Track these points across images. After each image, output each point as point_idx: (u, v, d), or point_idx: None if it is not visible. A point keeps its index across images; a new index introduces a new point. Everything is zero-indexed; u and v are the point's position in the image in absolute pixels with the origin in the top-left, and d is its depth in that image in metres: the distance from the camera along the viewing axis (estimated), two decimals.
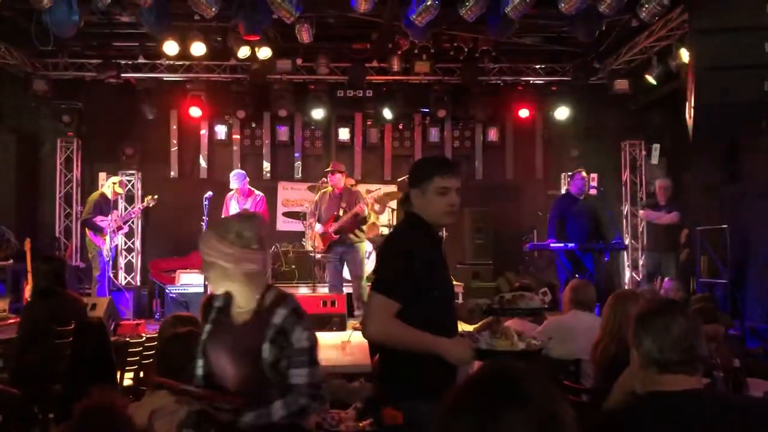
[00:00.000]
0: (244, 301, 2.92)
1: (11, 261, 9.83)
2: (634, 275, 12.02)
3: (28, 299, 8.25)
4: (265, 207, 9.75)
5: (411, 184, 3.23)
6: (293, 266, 10.68)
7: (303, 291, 9.70)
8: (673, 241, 10.01)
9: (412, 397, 2.87)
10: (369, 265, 10.32)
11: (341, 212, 9.06)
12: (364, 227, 9.28)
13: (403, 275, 3.04)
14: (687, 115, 7.36)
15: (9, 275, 9.76)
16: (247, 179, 9.73)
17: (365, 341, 6.20)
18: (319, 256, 10.43)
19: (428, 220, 3.20)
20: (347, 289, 9.41)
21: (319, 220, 9.23)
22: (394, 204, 10.72)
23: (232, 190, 9.66)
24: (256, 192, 9.71)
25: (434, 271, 3.17)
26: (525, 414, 1.38)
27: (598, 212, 9.54)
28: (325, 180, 10.49)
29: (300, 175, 12.37)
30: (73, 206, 11.77)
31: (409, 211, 3.26)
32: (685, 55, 9.05)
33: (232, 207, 9.49)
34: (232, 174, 9.74)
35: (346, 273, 9.45)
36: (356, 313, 9.15)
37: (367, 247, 10.20)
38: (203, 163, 12.30)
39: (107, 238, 9.70)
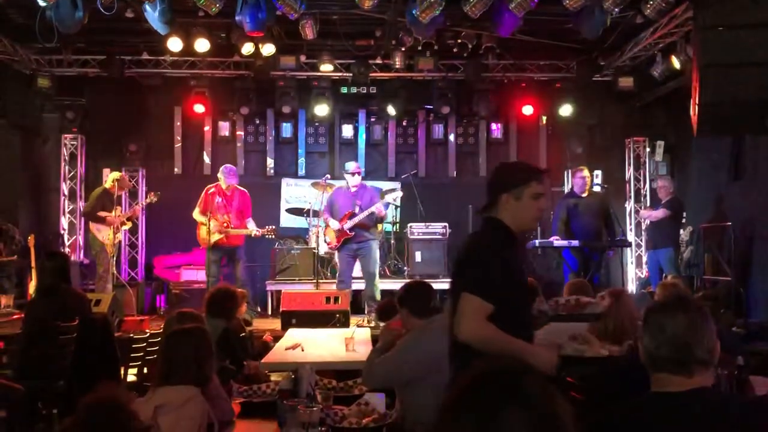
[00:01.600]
0: None
1: (16, 257, 9.85)
2: (638, 272, 12.01)
3: (32, 295, 8.28)
4: (250, 202, 9.73)
5: (502, 188, 3.27)
6: (296, 263, 10.68)
7: (306, 288, 9.70)
8: (667, 237, 9.96)
9: None
10: None
11: (357, 209, 9.05)
12: (379, 225, 9.26)
13: (494, 278, 3.09)
14: (691, 113, 7.35)
15: (13, 271, 9.78)
16: None
17: (368, 338, 6.22)
18: (322, 252, 10.44)
19: (513, 225, 3.26)
20: (357, 286, 9.44)
21: (332, 216, 9.24)
22: (398, 201, 10.71)
23: (218, 184, 9.53)
24: (240, 188, 9.67)
25: (517, 274, 3.25)
26: (524, 413, 1.38)
27: (607, 209, 9.52)
28: (329, 176, 10.51)
29: (303, 172, 12.37)
30: (77, 202, 11.78)
31: (489, 216, 3.31)
32: (689, 51, 9.03)
33: (217, 203, 9.38)
34: (227, 169, 9.63)
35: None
36: (367, 310, 9.17)
37: None
38: (207, 159, 12.30)
39: (111, 233, 9.71)
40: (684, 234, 10.31)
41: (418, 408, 3.90)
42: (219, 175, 9.60)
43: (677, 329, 2.29)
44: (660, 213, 9.88)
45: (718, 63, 7.15)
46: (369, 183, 11.32)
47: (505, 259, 3.18)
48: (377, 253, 9.29)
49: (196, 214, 9.41)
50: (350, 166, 9.38)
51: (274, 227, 9.65)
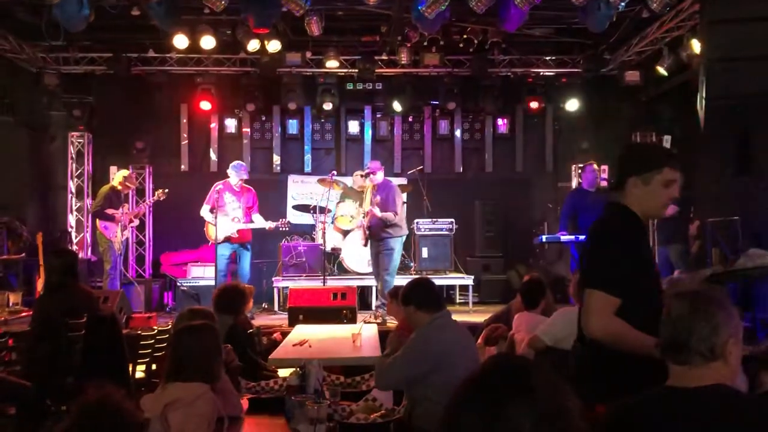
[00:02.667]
0: None
1: (23, 255, 9.89)
2: None
3: (41, 293, 8.31)
4: (257, 199, 9.76)
5: (631, 171, 3.09)
6: (303, 259, 10.70)
7: (313, 284, 9.71)
8: (676, 233, 9.92)
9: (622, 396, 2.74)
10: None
11: (374, 208, 9.10)
12: (399, 223, 9.08)
13: (621, 270, 2.95)
14: (698, 107, 7.33)
15: (21, 269, 9.82)
16: None
17: (375, 334, 6.22)
18: (329, 248, 10.44)
19: (639, 211, 3.09)
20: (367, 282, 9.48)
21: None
22: (405, 197, 10.70)
23: (227, 180, 9.49)
24: (246, 185, 9.67)
25: (647, 265, 3.10)
26: (530, 407, 1.38)
27: None
28: (335, 172, 10.51)
29: (310, 168, 12.39)
30: (84, 200, 11.82)
31: (616, 203, 3.14)
32: (696, 46, 9.00)
33: (227, 200, 9.35)
34: (238, 165, 9.60)
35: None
36: (376, 304, 9.17)
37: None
38: (213, 156, 12.32)
39: (119, 230, 9.73)
40: (692, 228, 10.27)
41: (426, 403, 3.91)
42: (229, 171, 9.55)
43: (678, 313, 2.28)
44: (669, 210, 9.83)
45: (725, 57, 7.13)
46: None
47: (631, 250, 2.99)
48: (395, 251, 9.08)
49: (205, 212, 9.38)
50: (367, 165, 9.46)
51: (287, 220, 9.67)
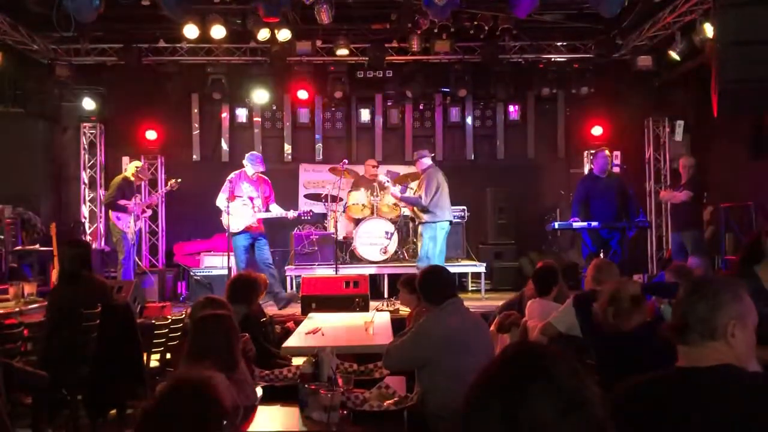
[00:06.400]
0: None
1: (37, 245, 9.95)
2: (658, 253, 11.94)
3: (55, 283, 8.36)
4: (272, 189, 9.74)
5: None
6: (315, 248, 10.70)
7: (326, 272, 9.72)
8: (691, 219, 9.81)
9: None
10: (391, 245, 10.32)
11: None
12: (430, 209, 9.01)
13: None
14: (711, 91, 7.27)
15: (36, 259, 9.89)
16: None
17: (388, 322, 6.23)
18: (341, 237, 10.45)
19: None
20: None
21: None
22: (414, 184, 10.67)
23: (244, 171, 9.46)
24: (262, 175, 9.64)
25: None
26: (550, 394, 1.38)
27: (626, 190, 9.42)
28: (346, 161, 10.50)
29: (321, 157, 12.39)
30: (97, 190, 11.89)
31: None
32: (709, 29, 8.92)
33: (245, 189, 9.30)
34: (254, 156, 9.55)
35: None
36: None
37: (386, 226, 10.20)
38: (225, 146, 12.35)
39: (131, 221, 9.77)
40: (705, 214, 10.21)
41: (437, 391, 3.93)
42: (245, 161, 9.48)
43: (682, 295, 2.32)
44: (683, 195, 9.71)
45: (739, 41, 7.04)
46: (386, 167, 11.36)
47: None
48: (425, 237, 9.06)
49: (221, 201, 9.27)
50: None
51: (311, 210, 9.67)
